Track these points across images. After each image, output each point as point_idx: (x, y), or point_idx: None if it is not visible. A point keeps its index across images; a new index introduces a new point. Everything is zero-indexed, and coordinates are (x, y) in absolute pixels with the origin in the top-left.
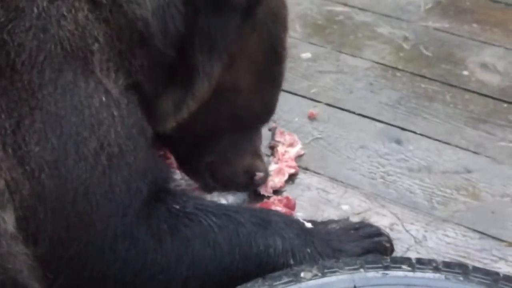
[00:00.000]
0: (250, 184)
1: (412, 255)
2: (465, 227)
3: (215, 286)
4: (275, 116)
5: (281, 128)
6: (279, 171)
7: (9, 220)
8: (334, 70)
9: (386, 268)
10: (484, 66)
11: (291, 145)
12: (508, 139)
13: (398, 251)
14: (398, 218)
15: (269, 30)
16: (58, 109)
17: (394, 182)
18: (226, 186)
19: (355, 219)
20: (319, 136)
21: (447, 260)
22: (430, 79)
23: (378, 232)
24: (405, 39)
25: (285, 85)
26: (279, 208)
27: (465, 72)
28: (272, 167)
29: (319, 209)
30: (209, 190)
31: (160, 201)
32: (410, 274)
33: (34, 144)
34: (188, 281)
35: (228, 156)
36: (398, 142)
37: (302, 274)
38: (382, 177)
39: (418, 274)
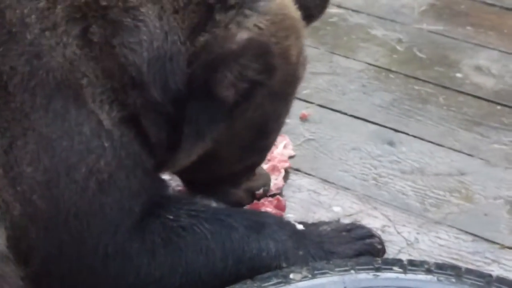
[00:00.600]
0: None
1: (404, 257)
2: (458, 229)
3: None
4: None
5: None
6: (273, 169)
7: (1, 240)
8: (327, 72)
9: (377, 269)
10: (478, 68)
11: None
12: (501, 141)
13: (390, 254)
14: (390, 220)
15: (263, 110)
16: (49, 132)
17: (386, 183)
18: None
19: (346, 221)
20: (311, 137)
21: (439, 262)
22: (423, 81)
23: (369, 234)
24: (399, 41)
25: None
26: (270, 209)
27: (459, 75)
28: (264, 166)
29: (310, 210)
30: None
31: (153, 215)
32: (402, 276)
33: (26, 165)
34: None
35: (226, 189)
36: (391, 143)
37: (291, 276)
38: (374, 179)
39: (410, 275)
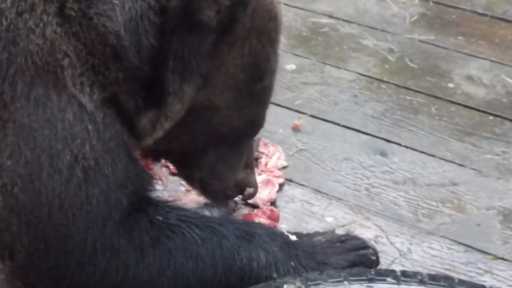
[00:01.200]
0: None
1: (397, 268)
2: (450, 240)
3: None
4: None
5: (265, 139)
6: (268, 182)
7: None
8: (319, 82)
9: (371, 280)
10: (469, 78)
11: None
12: (493, 151)
13: (383, 264)
14: (383, 231)
15: (251, 46)
16: (31, 122)
17: (379, 194)
18: (216, 199)
19: (339, 231)
20: (303, 147)
21: (432, 273)
22: (415, 91)
23: (364, 245)
24: (390, 51)
25: None
26: (263, 220)
27: (451, 85)
28: (258, 179)
29: (303, 221)
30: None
31: (141, 211)
32: (395, 287)
33: (7, 157)
34: None
35: (217, 170)
36: (383, 154)
37: (285, 287)
38: (366, 189)
39: (403, 286)
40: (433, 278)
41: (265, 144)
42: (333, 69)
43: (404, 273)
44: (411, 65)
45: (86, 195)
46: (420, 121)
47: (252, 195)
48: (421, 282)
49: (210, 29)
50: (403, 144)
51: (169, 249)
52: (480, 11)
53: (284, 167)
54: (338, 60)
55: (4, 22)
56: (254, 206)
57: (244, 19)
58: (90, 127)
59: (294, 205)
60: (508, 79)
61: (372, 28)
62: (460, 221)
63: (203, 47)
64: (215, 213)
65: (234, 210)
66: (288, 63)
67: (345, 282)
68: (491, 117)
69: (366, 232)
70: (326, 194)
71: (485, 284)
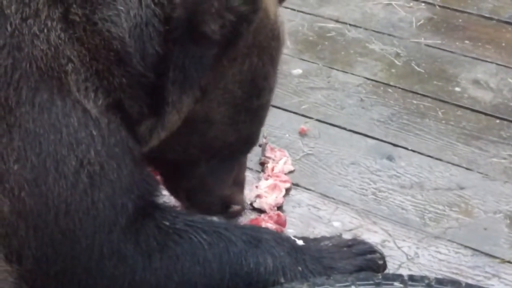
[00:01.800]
0: (224, 213)
1: (404, 272)
2: (457, 243)
3: None
4: (265, 132)
5: (271, 144)
6: (275, 187)
7: None
8: (325, 87)
9: (378, 285)
10: (476, 82)
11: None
12: (500, 155)
13: (390, 268)
14: (390, 235)
15: (251, 63)
16: (36, 127)
17: (386, 198)
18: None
19: (346, 235)
20: (310, 152)
21: (439, 277)
22: (422, 95)
23: (371, 249)
24: (397, 55)
25: (276, 101)
26: (270, 224)
27: (457, 89)
28: (264, 184)
29: (310, 225)
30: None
31: (148, 216)
32: None
33: (13, 162)
34: None
35: (205, 183)
36: (390, 158)
37: None
38: (373, 194)
39: None
40: (441, 282)
41: (272, 149)
42: (339, 73)
43: (411, 278)
44: (418, 69)
45: (92, 200)
46: (427, 125)
47: (238, 212)
48: (429, 286)
49: (212, 42)
50: (410, 148)
51: (176, 254)
52: (487, 15)
53: (290, 172)
54: (345, 64)
55: (9, 28)
56: (261, 211)
57: (247, 35)
58: (95, 133)
59: (301, 210)
60: None
61: (379, 32)
62: (467, 225)
63: (205, 59)
64: (222, 218)
65: (240, 215)
66: (294, 68)
67: (352, 287)
68: (497, 121)
69: (373, 236)
70: (333, 198)
71: None
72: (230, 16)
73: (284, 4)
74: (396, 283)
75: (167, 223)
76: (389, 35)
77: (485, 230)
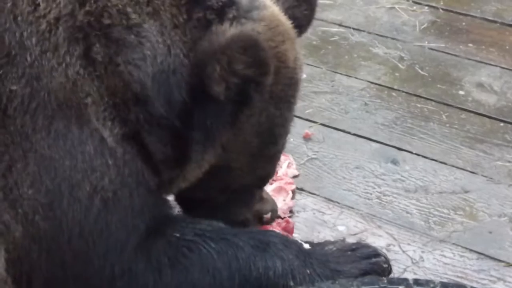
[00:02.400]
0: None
1: (409, 276)
2: (462, 247)
3: None
4: None
5: None
6: (280, 190)
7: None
8: (329, 91)
9: None
10: (480, 85)
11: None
12: (505, 158)
13: (395, 272)
14: (395, 239)
15: (268, 114)
16: (51, 152)
17: (391, 202)
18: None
19: (351, 240)
20: (314, 156)
21: (444, 281)
22: (426, 99)
23: (375, 253)
24: (401, 59)
25: None
26: (277, 231)
27: (461, 92)
28: (269, 188)
29: (315, 230)
30: None
31: (159, 233)
32: None
33: (27, 187)
34: None
35: (231, 210)
36: (394, 162)
37: None
38: (378, 198)
39: None
40: (446, 286)
41: None
42: (343, 77)
43: (416, 281)
44: (422, 72)
45: (105, 222)
46: (431, 128)
47: (273, 218)
48: None
49: (224, 102)
50: (414, 152)
51: (186, 266)
52: (490, 18)
53: (295, 176)
54: (349, 68)
55: (29, 59)
56: None
57: (258, 95)
58: (110, 162)
59: (305, 214)
60: None
61: (382, 36)
62: (472, 229)
63: (223, 117)
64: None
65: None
66: None
67: None
68: (502, 124)
69: (378, 240)
70: (338, 202)
71: None
72: (234, 79)
73: None
74: (401, 287)
75: (177, 235)
76: (393, 38)
77: (490, 234)
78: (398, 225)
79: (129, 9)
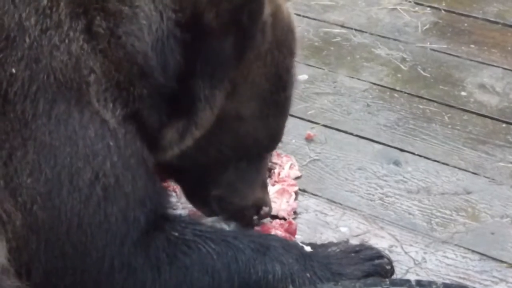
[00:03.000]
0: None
1: (412, 277)
2: (465, 248)
3: None
4: None
5: (278, 150)
6: (283, 192)
7: (1, 252)
8: (332, 92)
9: None
10: (482, 86)
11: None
12: (507, 159)
13: (398, 273)
14: (397, 240)
15: (273, 56)
16: (52, 139)
17: (393, 203)
18: (234, 218)
19: (353, 241)
20: (316, 157)
21: (447, 282)
22: (428, 100)
23: (378, 255)
24: (403, 60)
25: None
26: (280, 232)
27: (463, 93)
28: (272, 190)
29: (317, 231)
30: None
31: (159, 229)
32: None
33: (27, 175)
34: None
35: (237, 188)
36: (397, 163)
37: None
38: (380, 199)
39: None
40: (448, 287)
41: (278, 155)
42: (345, 78)
43: (419, 283)
44: (424, 74)
45: (105, 213)
46: (433, 130)
47: (267, 214)
48: None
49: (221, 32)
50: (416, 153)
51: (185, 265)
52: (492, 19)
53: (297, 178)
54: (351, 69)
55: (27, 40)
56: (273, 217)
57: (258, 26)
58: (111, 144)
59: (308, 216)
60: None
61: (384, 37)
62: (474, 230)
63: (226, 50)
64: (232, 225)
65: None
66: (300, 74)
67: None
68: (504, 125)
69: (380, 241)
70: (340, 204)
71: None
72: (225, 4)
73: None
74: None
75: (177, 234)
76: (395, 40)
77: (493, 235)
78: (400, 226)
79: None
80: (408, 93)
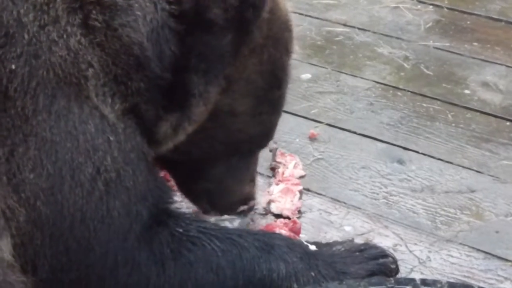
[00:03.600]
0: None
1: (416, 276)
2: (469, 247)
3: None
4: (275, 137)
5: (281, 149)
6: (287, 191)
7: (6, 248)
8: (335, 91)
9: None
10: (485, 84)
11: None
12: (511, 157)
13: (402, 272)
14: (402, 239)
15: (269, 54)
16: (52, 135)
17: (397, 202)
18: (223, 212)
19: (358, 240)
20: (320, 156)
21: (451, 280)
22: (431, 98)
23: (383, 254)
24: (406, 58)
25: (285, 106)
26: (284, 231)
27: (467, 91)
28: (276, 189)
29: (322, 230)
30: (208, 213)
31: (162, 224)
32: None
33: (29, 171)
34: None
35: (226, 182)
36: (400, 162)
37: None
38: (384, 198)
39: None
40: (453, 286)
41: (282, 154)
42: (348, 77)
43: (423, 281)
44: (427, 72)
45: (107, 208)
46: (436, 128)
47: (251, 208)
48: None
49: (222, 28)
50: (420, 151)
51: (189, 261)
52: (495, 17)
53: (301, 177)
54: (354, 68)
55: (26, 36)
56: (278, 216)
57: (258, 22)
58: (112, 139)
59: (312, 215)
60: None
61: (387, 36)
62: (479, 228)
63: (223, 46)
64: (236, 224)
65: (253, 221)
66: (303, 73)
67: None
68: (508, 123)
69: (384, 240)
70: (344, 203)
71: None
72: (232, 0)
73: (291, 9)
74: (409, 287)
75: (181, 230)
76: (397, 38)
77: (497, 233)
78: (404, 225)
79: None
80: (411, 92)
